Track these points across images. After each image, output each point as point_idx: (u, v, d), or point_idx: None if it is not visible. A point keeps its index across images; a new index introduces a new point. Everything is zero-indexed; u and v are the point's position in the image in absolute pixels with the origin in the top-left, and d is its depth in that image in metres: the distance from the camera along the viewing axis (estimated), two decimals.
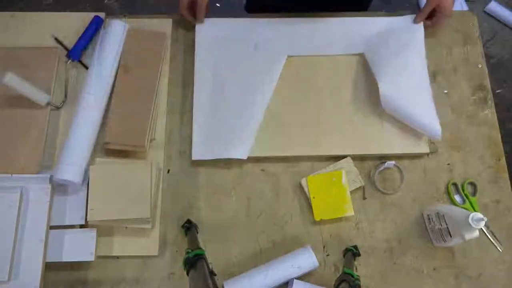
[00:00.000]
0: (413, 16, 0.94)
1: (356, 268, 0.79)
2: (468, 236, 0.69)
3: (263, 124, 0.86)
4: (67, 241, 0.78)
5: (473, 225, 0.67)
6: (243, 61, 0.90)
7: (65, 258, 0.77)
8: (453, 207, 0.78)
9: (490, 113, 0.91)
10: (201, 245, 0.70)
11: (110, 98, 0.86)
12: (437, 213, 0.77)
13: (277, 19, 0.94)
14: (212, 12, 0.95)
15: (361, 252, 0.80)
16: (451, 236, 0.73)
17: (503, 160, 0.87)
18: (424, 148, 0.85)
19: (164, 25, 0.94)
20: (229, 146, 0.83)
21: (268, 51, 0.91)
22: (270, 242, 0.82)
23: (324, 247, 0.82)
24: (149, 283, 0.79)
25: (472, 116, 0.90)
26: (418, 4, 1.95)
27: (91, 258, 0.77)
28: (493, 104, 0.92)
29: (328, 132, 0.86)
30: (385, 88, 0.83)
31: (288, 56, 0.91)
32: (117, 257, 0.80)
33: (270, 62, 0.90)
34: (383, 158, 0.86)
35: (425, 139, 0.86)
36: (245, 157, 0.83)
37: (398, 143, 0.85)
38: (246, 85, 0.88)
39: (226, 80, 0.89)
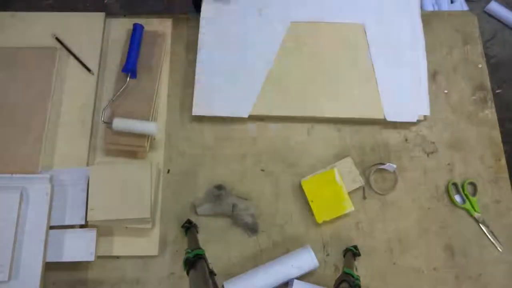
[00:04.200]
0: None
1: (356, 268, 0.79)
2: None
3: (265, 85, 0.89)
4: (67, 241, 0.78)
5: None
6: (247, 25, 0.93)
7: (65, 258, 0.77)
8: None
9: (490, 113, 0.91)
10: (201, 245, 0.70)
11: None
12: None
13: None
14: None
15: (361, 252, 0.80)
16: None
17: (503, 160, 0.87)
18: (413, 118, 0.87)
19: (164, 25, 0.94)
20: (231, 104, 0.87)
21: (272, 17, 0.94)
22: (270, 242, 0.82)
23: (324, 247, 0.82)
24: (149, 283, 0.79)
25: (472, 116, 0.90)
26: None
27: (91, 258, 0.77)
28: (493, 104, 0.92)
29: (327, 96, 0.89)
30: (376, 60, 0.90)
31: (291, 22, 0.93)
32: (117, 257, 0.80)
33: (274, 27, 0.93)
34: (376, 123, 0.88)
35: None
36: (246, 115, 0.86)
37: (390, 111, 0.87)
38: (250, 48, 0.91)
39: (230, 42, 0.92)
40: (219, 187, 0.83)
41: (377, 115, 0.87)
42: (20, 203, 0.78)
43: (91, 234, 0.78)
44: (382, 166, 0.84)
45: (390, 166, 0.84)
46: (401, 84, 0.89)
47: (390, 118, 0.87)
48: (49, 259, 0.77)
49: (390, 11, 0.94)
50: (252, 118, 0.88)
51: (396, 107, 0.87)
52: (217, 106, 0.87)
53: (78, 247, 0.78)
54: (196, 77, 0.89)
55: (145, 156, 0.85)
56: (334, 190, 0.82)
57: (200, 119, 0.89)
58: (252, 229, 0.81)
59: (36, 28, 0.93)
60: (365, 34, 0.92)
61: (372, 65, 0.90)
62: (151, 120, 0.84)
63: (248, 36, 0.92)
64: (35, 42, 0.92)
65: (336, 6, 0.95)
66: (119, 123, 0.81)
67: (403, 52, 0.91)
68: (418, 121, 0.88)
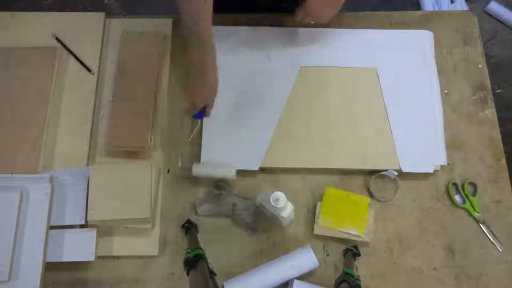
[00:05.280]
0: (427, 32, 0.94)
1: (356, 268, 0.79)
2: (278, 214, 0.73)
3: (274, 135, 0.85)
4: (67, 241, 0.78)
5: (275, 205, 0.71)
6: (256, 71, 0.90)
7: (65, 258, 0.77)
8: (264, 192, 0.76)
9: (490, 113, 0.91)
10: (201, 245, 0.70)
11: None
12: (260, 203, 0.77)
13: (288, 28, 0.94)
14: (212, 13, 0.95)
15: (361, 252, 0.80)
16: (276, 217, 0.75)
17: (503, 160, 0.87)
18: (430, 169, 0.84)
19: (164, 25, 0.94)
20: (241, 157, 0.83)
21: (281, 62, 0.91)
22: (270, 242, 0.82)
23: (324, 247, 0.82)
24: (149, 283, 0.79)
25: (472, 116, 0.90)
26: (418, 4, 1.94)
27: (91, 258, 0.77)
28: (493, 104, 0.92)
29: (338, 146, 0.85)
30: (390, 107, 0.87)
31: (301, 67, 0.90)
32: (117, 257, 0.80)
33: (283, 73, 0.90)
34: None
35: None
36: (256, 168, 0.83)
37: (406, 162, 0.84)
38: (259, 95, 0.88)
39: (238, 88, 0.89)
40: (219, 187, 0.83)
41: (392, 167, 0.83)
42: (20, 203, 0.78)
43: (91, 234, 0.78)
44: (383, 173, 0.84)
45: (391, 173, 0.83)
46: (417, 132, 0.85)
47: (406, 169, 0.83)
48: (49, 259, 0.77)
49: (402, 53, 0.91)
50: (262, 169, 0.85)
51: (412, 157, 0.83)
52: (228, 160, 0.83)
53: (78, 247, 0.78)
54: (204, 127, 0.86)
55: (147, 157, 0.85)
56: (357, 213, 0.81)
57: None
58: (252, 228, 0.81)
59: (36, 28, 0.93)
60: (378, 78, 0.89)
61: (386, 112, 0.86)
62: (152, 120, 0.84)
63: (257, 83, 0.89)
64: (35, 42, 0.92)
65: (347, 50, 0.91)
66: (199, 169, 0.81)
67: (418, 98, 0.88)
68: (435, 171, 0.84)
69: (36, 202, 0.79)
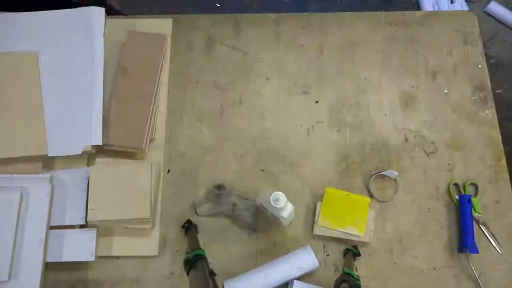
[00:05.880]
0: (97, 8, 0.90)
1: (356, 268, 0.79)
2: (278, 215, 0.72)
3: None
4: (67, 241, 0.78)
5: (275, 205, 0.70)
6: None
7: (65, 258, 0.77)
8: (264, 192, 0.75)
9: (490, 113, 0.91)
10: (201, 245, 0.70)
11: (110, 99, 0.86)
12: (260, 203, 0.77)
13: None
14: (212, 13, 0.95)
15: (361, 252, 0.80)
16: (276, 218, 0.75)
17: (503, 160, 0.87)
18: (78, 150, 0.81)
19: (164, 25, 0.94)
20: None
21: None
22: (270, 242, 0.82)
23: (324, 247, 0.82)
24: (149, 283, 0.79)
25: (472, 116, 0.90)
26: (418, 4, 1.94)
27: (91, 258, 0.77)
28: (493, 104, 0.92)
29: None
30: (47, 92, 0.84)
31: None
32: (117, 257, 0.80)
33: None
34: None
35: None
36: None
37: (55, 146, 0.82)
38: None
39: None
40: (219, 187, 0.83)
41: (39, 151, 0.80)
42: (20, 203, 0.78)
43: (91, 234, 0.78)
44: (383, 173, 0.84)
45: (392, 173, 0.83)
46: (72, 114, 0.83)
47: (53, 153, 0.81)
48: (49, 259, 0.77)
49: (67, 34, 0.88)
50: None
51: (62, 141, 0.81)
52: None
53: (78, 247, 0.78)
54: None
55: (144, 157, 0.85)
56: (357, 213, 0.81)
57: (200, 119, 0.89)
58: (252, 228, 0.81)
59: None
60: (38, 63, 0.85)
61: (41, 97, 0.83)
62: (150, 121, 0.84)
63: None
64: None
65: (6, 34, 0.87)
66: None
67: (77, 80, 0.85)
68: (86, 153, 0.82)
69: (36, 202, 0.79)
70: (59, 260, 0.77)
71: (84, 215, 0.79)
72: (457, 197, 0.84)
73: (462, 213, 0.82)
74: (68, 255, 0.77)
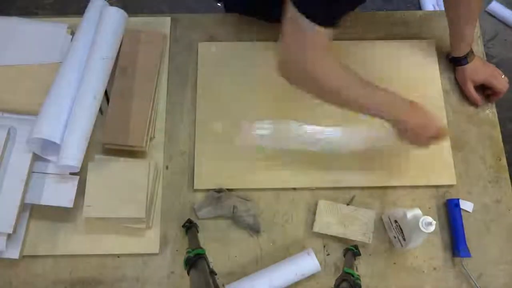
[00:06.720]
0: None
1: (356, 268, 0.79)
2: (420, 239, 0.70)
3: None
4: (47, 186, 0.77)
5: (424, 229, 0.68)
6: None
7: (44, 202, 0.76)
8: (405, 211, 0.72)
9: (490, 113, 0.91)
10: (202, 244, 0.70)
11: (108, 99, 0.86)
12: (394, 219, 0.77)
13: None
14: (213, 12, 0.95)
15: (361, 251, 0.80)
16: (405, 241, 0.74)
17: (504, 160, 0.87)
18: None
19: (163, 24, 0.94)
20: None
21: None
22: (270, 241, 0.82)
23: (324, 246, 0.82)
24: (149, 282, 0.79)
25: (472, 116, 0.90)
26: (419, 4, 1.94)
27: (70, 205, 0.76)
28: (493, 104, 0.92)
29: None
30: None
31: None
32: (118, 256, 0.80)
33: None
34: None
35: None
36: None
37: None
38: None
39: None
40: (219, 190, 0.82)
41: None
42: (6, 141, 0.77)
43: (73, 182, 0.78)
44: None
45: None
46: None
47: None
48: (27, 201, 0.76)
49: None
50: None
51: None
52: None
53: (58, 193, 0.77)
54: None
55: (144, 155, 0.85)
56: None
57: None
58: (254, 229, 0.81)
59: None
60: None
61: None
62: (150, 120, 0.84)
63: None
64: None
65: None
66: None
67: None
68: None
69: (22, 143, 0.77)
70: (37, 202, 0.76)
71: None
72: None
73: (451, 218, 0.82)
74: (47, 199, 0.77)
